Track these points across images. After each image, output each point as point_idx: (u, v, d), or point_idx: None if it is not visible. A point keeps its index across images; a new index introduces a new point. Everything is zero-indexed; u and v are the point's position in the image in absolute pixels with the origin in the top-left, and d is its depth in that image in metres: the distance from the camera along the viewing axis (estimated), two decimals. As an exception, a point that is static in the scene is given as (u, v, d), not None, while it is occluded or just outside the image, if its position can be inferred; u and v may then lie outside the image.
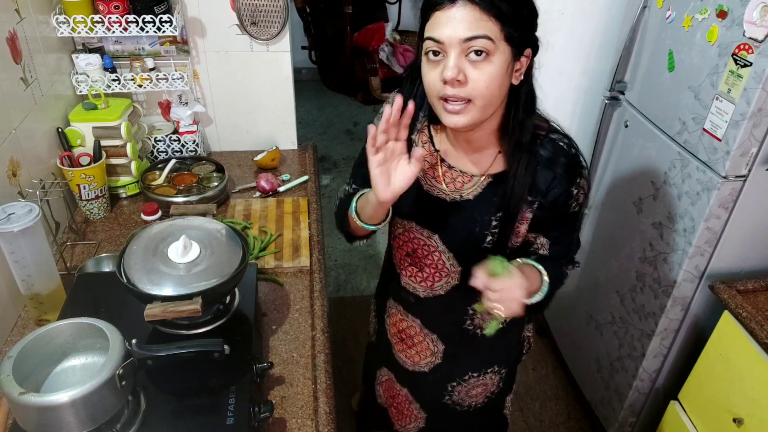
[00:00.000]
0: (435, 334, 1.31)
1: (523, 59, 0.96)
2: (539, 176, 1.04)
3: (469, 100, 0.94)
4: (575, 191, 1.06)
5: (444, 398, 1.37)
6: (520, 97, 0.99)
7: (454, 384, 1.35)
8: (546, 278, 1.10)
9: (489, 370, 1.34)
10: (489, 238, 1.12)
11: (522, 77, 0.97)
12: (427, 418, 1.44)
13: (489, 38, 0.89)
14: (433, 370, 1.35)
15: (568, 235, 1.15)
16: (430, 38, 0.93)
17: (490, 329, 1.07)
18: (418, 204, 1.16)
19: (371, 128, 0.99)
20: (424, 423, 1.45)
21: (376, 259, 2.98)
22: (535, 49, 0.97)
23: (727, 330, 1.48)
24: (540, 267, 1.11)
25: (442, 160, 1.13)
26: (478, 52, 0.90)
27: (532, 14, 0.95)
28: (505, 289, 0.97)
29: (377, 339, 1.49)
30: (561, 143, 1.04)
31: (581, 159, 1.06)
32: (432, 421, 1.43)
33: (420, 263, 1.22)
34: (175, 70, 1.75)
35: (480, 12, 0.89)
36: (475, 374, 1.33)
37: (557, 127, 1.07)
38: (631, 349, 1.84)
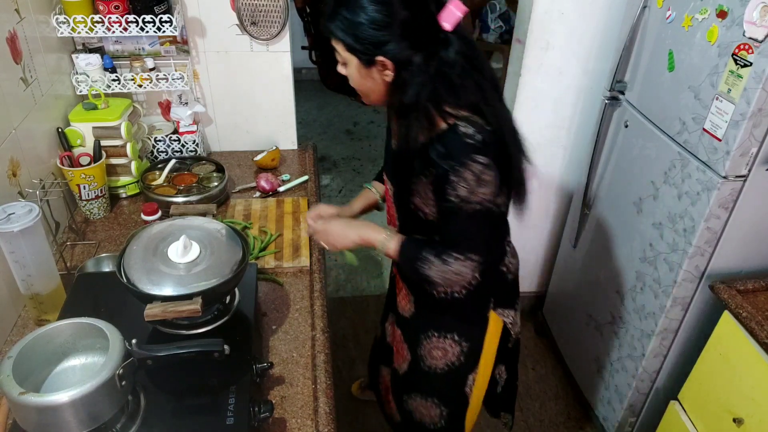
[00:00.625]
0: (405, 283, 1.46)
1: (386, 63, 1.09)
2: (432, 150, 1.11)
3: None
4: (454, 179, 1.08)
5: (418, 348, 1.47)
6: (397, 89, 1.13)
7: (422, 336, 1.44)
8: (389, 244, 1.26)
9: (449, 336, 1.41)
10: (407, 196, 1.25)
11: (395, 74, 1.11)
12: (410, 362, 1.53)
13: (336, 50, 1.15)
14: (412, 317, 1.47)
15: (445, 223, 1.18)
16: None
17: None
18: (386, 153, 1.38)
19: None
20: (408, 366, 1.55)
21: (375, 259, 2.98)
22: (395, 58, 1.08)
23: (727, 330, 1.48)
24: (383, 233, 1.28)
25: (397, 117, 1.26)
26: None
27: (373, 34, 1.07)
28: (320, 231, 1.34)
29: (390, 286, 1.67)
30: (462, 129, 1.09)
31: (477, 152, 1.08)
32: (412, 366, 1.53)
33: (389, 210, 1.40)
34: (175, 70, 1.75)
35: (327, 32, 1.14)
36: (436, 334, 1.42)
37: (476, 120, 1.10)
38: (631, 349, 1.84)
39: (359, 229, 1.30)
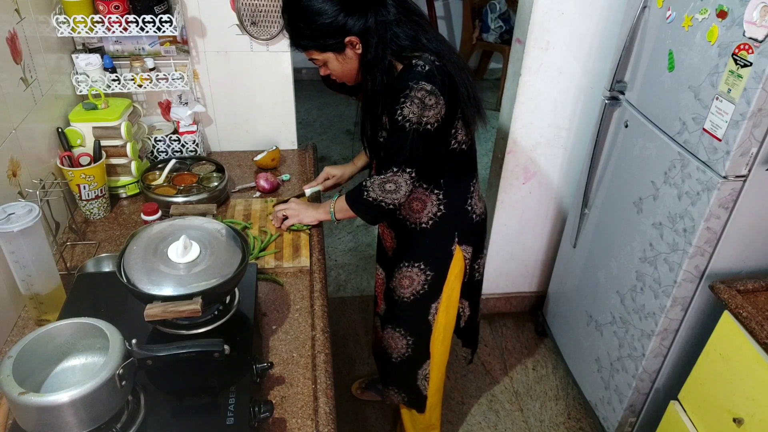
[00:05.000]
0: (384, 223, 1.65)
1: (352, 39, 1.30)
2: (392, 85, 1.32)
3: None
4: (402, 99, 1.27)
5: (391, 281, 1.63)
6: (366, 54, 1.33)
7: (395, 270, 1.60)
8: (332, 207, 1.54)
9: (416, 265, 1.55)
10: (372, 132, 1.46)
11: (361, 50, 1.32)
12: (385, 297, 1.71)
13: (314, 59, 1.37)
14: (393, 252, 1.64)
15: (389, 138, 1.34)
16: None
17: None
18: (360, 110, 1.56)
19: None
20: (384, 303, 1.73)
21: (375, 259, 2.98)
22: (357, 30, 1.29)
23: (727, 330, 1.48)
24: (330, 202, 1.56)
25: None
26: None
27: (320, 34, 1.30)
28: (294, 210, 1.60)
29: (378, 243, 1.80)
30: (414, 62, 1.29)
31: (424, 79, 1.26)
32: (387, 299, 1.70)
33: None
34: (175, 70, 1.75)
35: (299, 49, 1.37)
36: (406, 264, 1.57)
37: (427, 56, 1.30)
38: (631, 349, 1.84)
39: (318, 208, 1.60)
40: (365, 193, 1.41)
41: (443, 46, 1.35)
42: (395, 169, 1.35)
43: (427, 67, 1.28)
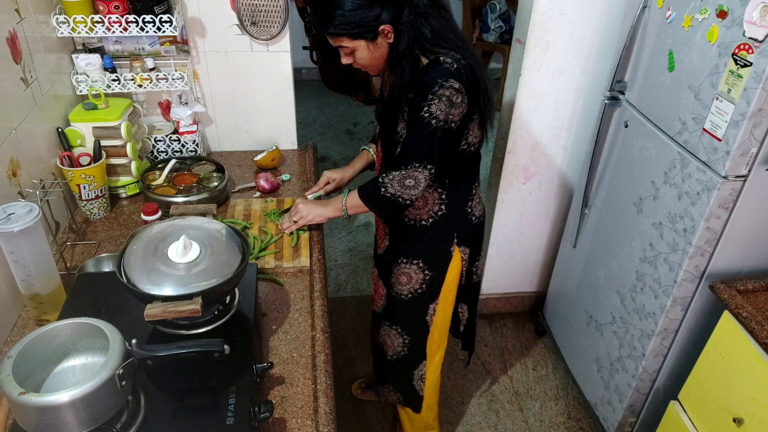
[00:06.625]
0: (381, 218, 1.65)
1: (386, 28, 1.29)
2: (417, 79, 1.31)
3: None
4: (430, 96, 1.27)
5: (389, 278, 1.63)
6: (396, 44, 1.33)
7: (393, 266, 1.60)
8: (344, 204, 1.50)
9: (414, 262, 1.55)
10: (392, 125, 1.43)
11: (393, 39, 1.32)
12: (383, 295, 1.72)
13: (342, 46, 1.35)
14: (385, 252, 1.65)
15: (411, 133, 1.34)
16: None
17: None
18: (379, 101, 1.58)
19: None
20: (382, 301, 1.74)
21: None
22: (392, 19, 1.28)
23: (727, 330, 1.48)
24: (341, 198, 1.53)
25: None
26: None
27: (355, 22, 1.27)
28: (304, 211, 1.56)
29: (374, 244, 1.79)
30: (442, 59, 1.29)
31: (452, 77, 1.26)
32: (387, 300, 1.70)
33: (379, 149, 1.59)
34: (175, 70, 1.75)
35: (329, 36, 1.34)
36: (404, 260, 1.57)
37: (453, 54, 1.29)
38: (631, 349, 1.84)
39: (328, 206, 1.56)
40: (383, 189, 1.39)
41: (467, 45, 1.35)
42: (416, 165, 1.34)
43: (455, 65, 1.27)
